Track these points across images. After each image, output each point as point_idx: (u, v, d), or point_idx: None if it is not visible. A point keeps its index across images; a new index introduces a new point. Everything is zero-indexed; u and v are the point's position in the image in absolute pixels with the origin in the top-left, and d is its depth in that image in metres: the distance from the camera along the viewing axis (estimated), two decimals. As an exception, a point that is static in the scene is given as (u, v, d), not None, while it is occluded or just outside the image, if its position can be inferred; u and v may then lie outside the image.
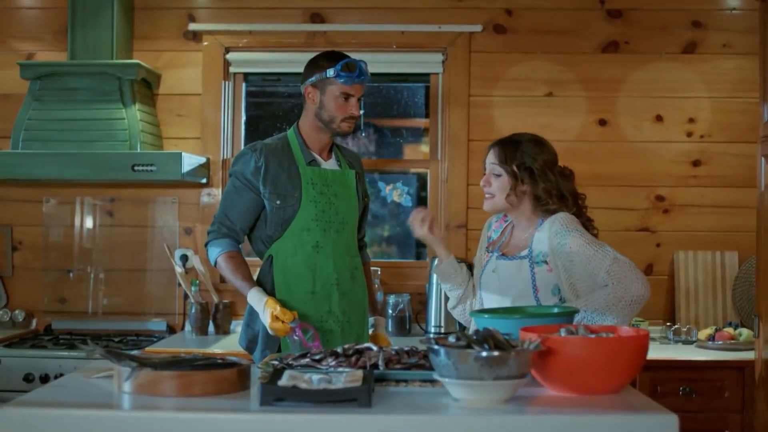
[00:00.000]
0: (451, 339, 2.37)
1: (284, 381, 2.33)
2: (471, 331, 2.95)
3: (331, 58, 3.50)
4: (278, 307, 3.27)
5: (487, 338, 2.33)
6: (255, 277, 3.53)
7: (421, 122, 5.10)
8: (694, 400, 4.05)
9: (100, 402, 2.34)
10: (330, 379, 2.36)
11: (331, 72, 3.45)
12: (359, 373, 2.45)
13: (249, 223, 3.54)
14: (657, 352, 4.16)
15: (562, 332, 2.51)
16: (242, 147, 4.91)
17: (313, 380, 2.34)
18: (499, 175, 3.15)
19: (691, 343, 4.45)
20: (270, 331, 3.30)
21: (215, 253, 3.52)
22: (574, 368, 2.37)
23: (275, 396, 2.26)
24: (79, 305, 4.90)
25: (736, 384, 4.06)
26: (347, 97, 3.47)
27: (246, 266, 3.51)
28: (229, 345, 4.31)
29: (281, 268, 3.48)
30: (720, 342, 4.28)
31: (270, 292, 3.45)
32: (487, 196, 3.20)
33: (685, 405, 4.02)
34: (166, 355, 2.56)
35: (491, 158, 3.20)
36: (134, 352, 2.57)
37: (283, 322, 3.25)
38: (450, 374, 2.29)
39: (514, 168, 3.13)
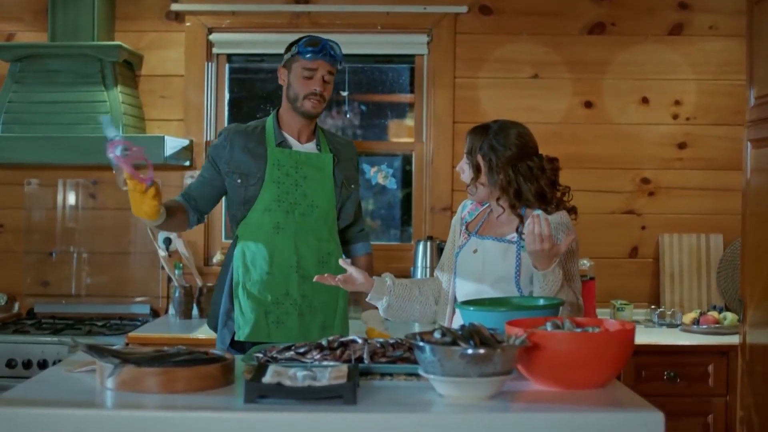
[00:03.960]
0: (437, 335, 2.36)
1: (268, 378, 2.31)
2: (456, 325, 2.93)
3: (300, 39, 3.56)
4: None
5: (472, 334, 2.32)
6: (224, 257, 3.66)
7: (406, 97, 5.05)
8: (678, 385, 4.07)
9: (82, 400, 2.31)
10: (315, 375, 2.34)
11: (295, 49, 3.52)
12: (344, 368, 2.43)
13: (206, 197, 3.62)
14: (642, 336, 4.15)
15: (548, 326, 2.49)
16: (226, 129, 4.93)
17: (297, 377, 2.32)
18: (468, 164, 3.12)
19: (675, 326, 4.46)
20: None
21: None
22: (560, 363, 2.36)
23: (259, 393, 2.25)
24: (62, 288, 4.86)
25: (720, 368, 4.07)
26: (311, 73, 3.50)
27: (177, 202, 3.52)
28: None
29: (242, 247, 3.55)
30: (704, 326, 4.29)
31: (231, 272, 3.55)
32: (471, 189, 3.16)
33: (669, 389, 4.05)
34: (148, 350, 2.53)
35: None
36: (116, 346, 2.55)
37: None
38: (435, 371, 2.28)
39: (476, 160, 3.09)
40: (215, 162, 3.58)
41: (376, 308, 3.26)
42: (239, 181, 3.52)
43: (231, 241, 3.67)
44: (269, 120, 3.63)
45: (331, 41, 3.54)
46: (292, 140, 3.60)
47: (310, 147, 3.62)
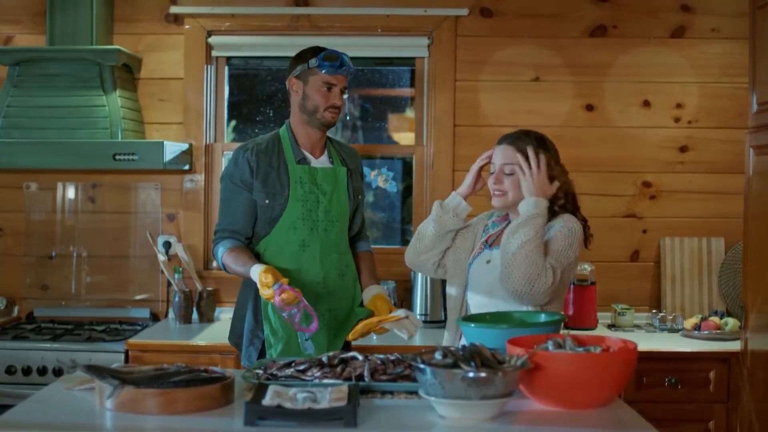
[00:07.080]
0: (437, 356, 2.34)
1: (268, 399, 2.30)
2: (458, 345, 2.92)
3: (314, 50, 3.55)
4: (267, 274, 3.20)
5: (473, 355, 2.30)
6: None
7: (406, 92, 5.02)
8: (679, 391, 4.05)
9: (82, 422, 2.30)
10: (315, 396, 2.33)
11: (313, 62, 3.49)
12: (344, 388, 2.42)
13: (250, 223, 3.53)
14: (643, 342, 4.12)
15: (550, 345, 2.48)
16: (225, 131, 4.92)
17: (297, 398, 2.31)
18: (510, 174, 3.10)
19: (676, 330, 4.45)
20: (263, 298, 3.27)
21: (219, 254, 3.50)
22: (562, 383, 2.36)
23: (259, 415, 2.24)
24: (62, 292, 4.85)
25: (722, 375, 4.06)
26: (330, 86, 3.51)
27: (247, 252, 3.47)
28: (213, 335, 4.28)
29: None
30: (706, 331, 4.28)
31: (256, 290, 3.42)
32: (497, 193, 3.12)
33: (670, 395, 4.04)
34: (148, 368, 2.52)
35: (504, 156, 3.13)
36: (115, 365, 2.53)
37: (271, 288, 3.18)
38: (436, 393, 2.27)
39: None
40: (245, 184, 3.50)
41: (377, 284, 3.53)
42: (267, 201, 3.48)
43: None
44: (283, 135, 3.59)
45: (344, 54, 3.53)
46: (309, 156, 3.58)
47: (324, 161, 3.61)
